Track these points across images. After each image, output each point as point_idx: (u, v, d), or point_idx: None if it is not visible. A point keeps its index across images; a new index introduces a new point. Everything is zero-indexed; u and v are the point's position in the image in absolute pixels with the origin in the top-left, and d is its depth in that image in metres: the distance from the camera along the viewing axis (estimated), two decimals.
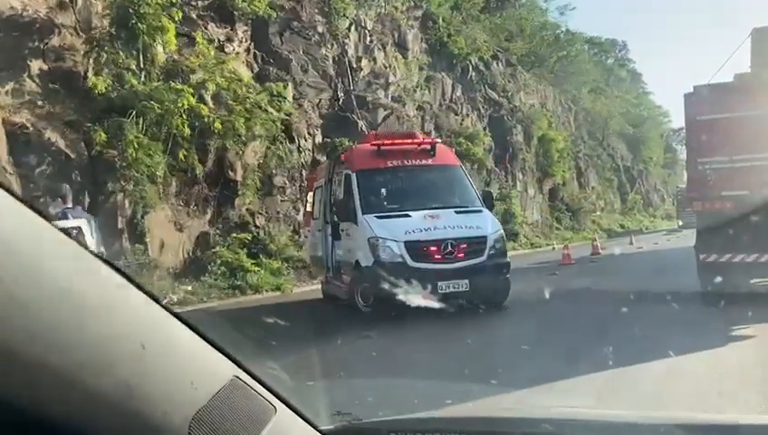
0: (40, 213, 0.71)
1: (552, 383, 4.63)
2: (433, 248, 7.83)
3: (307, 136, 16.05)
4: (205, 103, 12.67)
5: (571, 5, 43.69)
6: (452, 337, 6.63)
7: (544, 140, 31.97)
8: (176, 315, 0.87)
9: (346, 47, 18.46)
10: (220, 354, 0.93)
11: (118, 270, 0.79)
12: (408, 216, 8.19)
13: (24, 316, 0.64)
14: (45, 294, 0.67)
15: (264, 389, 1.01)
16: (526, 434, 1.62)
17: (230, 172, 13.16)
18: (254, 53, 16.13)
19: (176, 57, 13.13)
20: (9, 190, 0.68)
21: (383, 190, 8.77)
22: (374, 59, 19.67)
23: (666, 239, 27.29)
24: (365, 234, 8.05)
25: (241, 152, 13.48)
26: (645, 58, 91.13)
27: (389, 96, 19.65)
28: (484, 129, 27.66)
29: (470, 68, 27.16)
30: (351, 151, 10.05)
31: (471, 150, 22.67)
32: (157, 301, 0.85)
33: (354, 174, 8.67)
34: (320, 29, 17.65)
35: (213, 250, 11.87)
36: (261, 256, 12.69)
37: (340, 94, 17.80)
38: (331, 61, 17.77)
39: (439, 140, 9.46)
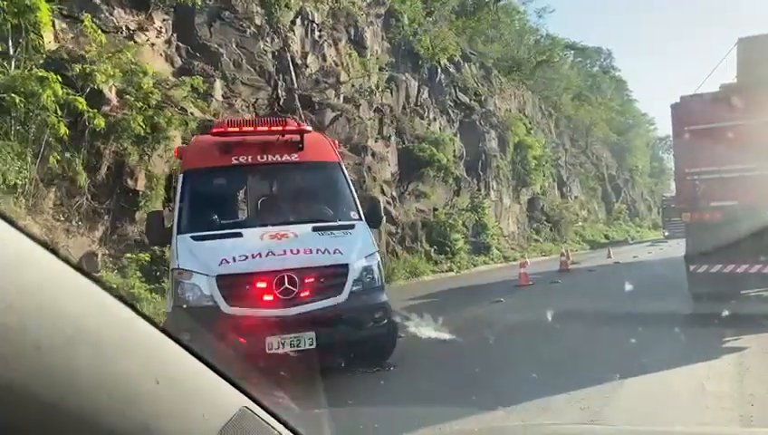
0: (54, 252, 0.70)
1: None
2: (261, 285, 5.30)
3: None
4: (102, 99, 10.76)
5: (550, 8, 42.16)
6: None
7: (521, 147, 30.23)
8: (185, 347, 0.87)
9: (289, 41, 16.59)
10: (229, 385, 0.94)
11: (127, 303, 0.79)
12: (238, 235, 5.67)
13: (42, 358, 0.64)
14: (63, 335, 0.67)
15: (273, 419, 1.01)
16: None
17: (129, 181, 11.16)
18: (177, 45, 14.21)
19: (71, 46, 11.22)
20: (23, 230, 0.67)
21: (220, 199, 6.49)
22: (323, 56, 17.82)
23: (647, 252, 25.46)
24: (171, 264, 5.83)
25: (147, 157, 11.50)
26: (630, 66, 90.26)
27: (341, 96, 17.79)
28: (455, 134, 25.87)
29: (439, 70, 25.41)
30: (189, 145, 7.49)
31: (435, 156, 20.82)
32: (167, 333, 0.85)
33: (182, 176, 6.24)
34: (257, 21, 15.77)
35: (97, 273, 9.83)
36: (165, 279, 10.64)
37: (282, 93, 15.90)
38: (270, 56, 15.89)
39: (310, 128, 7.01)
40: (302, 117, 16.10)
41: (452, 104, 26.30)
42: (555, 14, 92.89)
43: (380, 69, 21.38)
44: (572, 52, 55.44)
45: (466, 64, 28.49)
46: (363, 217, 6.33)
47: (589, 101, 54.11)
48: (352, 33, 20.06)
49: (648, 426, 3.08)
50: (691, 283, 8.80)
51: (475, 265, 21.14)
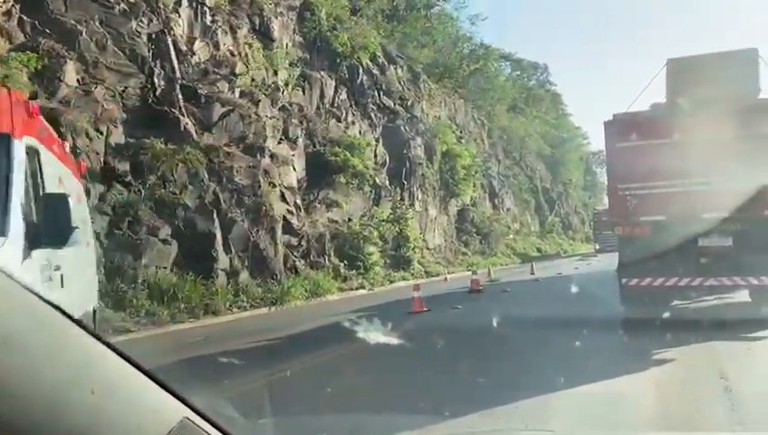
0: None
1: None
2: None
3: (93, 133, 11.72)
4: None
5: (483, 15, 41.38)
6: None
7: (449, 156, 28.87)
8: (122, 355, 0.85)
9: (172, 24, 14.35)
10: (168, 395, 0.91)
11: (59, 308, 0.77)
12: None
13: None
14: None
15: (214, 429, 0.98)
16: None
17: None
18: (20, 17, 11.74)
19: None
20: None
21: None
22: (216, 43, 15.65)
23: (574, 267, 24.34)
24: None
25: None
26: (566, 82, 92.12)
27: (236, 91, 15.64)
28: (377, 139, 24.15)
29: (360, 70, 23.65)
30: None
31: (350, 162, 18.95)
32: (103, 341, 0.83)
33: None
34: None
35: None
36: None
37: (159, 83, 13.62)
38: (145, 38, 13.59)
39: None
40: (185, 111, 13.89)
41: (374, 108, 24.59)
42: (493, 27, 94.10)
43: (291, 64, 19.39)
44: (509, 63, 55.55)
45: (392, 67, 26.91)
46: (25, 229, 3.75)
47: (524, 113, 54.00)
48: (257, 22, 18.00)
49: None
50: (623, 295, 8.98)
51: (391, 282, 19.34)
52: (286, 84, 19.11)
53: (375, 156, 23.77)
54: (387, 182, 23.90)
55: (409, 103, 27.25)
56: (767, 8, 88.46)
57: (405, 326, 7.91)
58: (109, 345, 0.84)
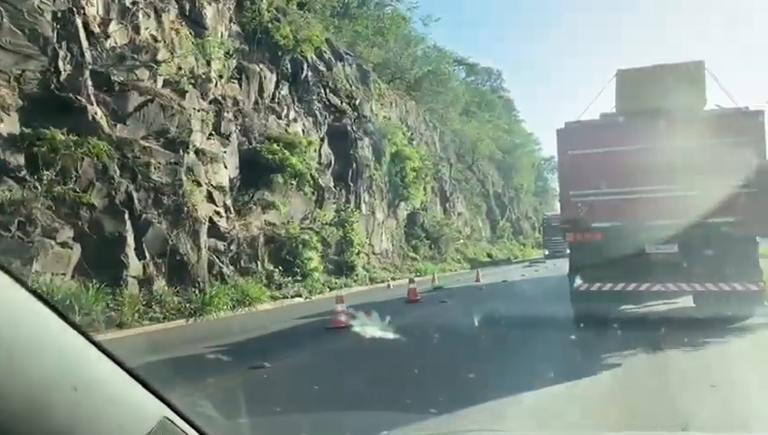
0: None
1: None
2: None
3: None
4: None
5: (435, 16, 40.88)
6: None
7: (399, 158, 28.00)
8: (105, 351, 0.84)
9: (83, 2, 12.84)
10: (149, 394, 0.91)
11: (44, 300, 0.76)
12: None
13: None
14: None
15: (193, 430, 0.98)
16: None
17: None
18: None
19: None
20: None
21: None
22: (136, 27, 14.18)
23: (521, 274, 23.71)
24: None
25: None
26: (519, 89, 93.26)
27: (158, 79, 14.22)
28: (322, 139, 23.01)
29: (305, 65, 22.45)
30: None
31: (288, 161, 17.74)
32: (86, 336, 0.81)
33: None
34: None
35: None
36: None
37: (64, 67, 12.10)
38: (49, 17, 12.05)
39: None
40: (94, 100, 12.42)
41: (320, 105, 23.43)
42: (448, 32, 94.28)
43: (227, 55, 18.03)
44: (462, 67, 55.35)
45: (339, 64, 25.82)
46: None
47: (476, 117, 53.86)
48: (187, 7, 16.57)
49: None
50: (574, 300, 9.13)
51: (332, 289, 18.20)
52: (220, 76, 17.72)
53: (319, 156, 22.62)
54: (331, 184, 22.77)
55: (358, 102, 26.21)
56: (718, 20, 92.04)
57: (323, 345, 6.82)
58: (91, 340, 0.82)
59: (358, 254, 21.20)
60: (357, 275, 20.60)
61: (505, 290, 15.71)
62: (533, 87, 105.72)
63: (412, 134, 33.98)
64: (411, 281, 15.28)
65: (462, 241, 36.32)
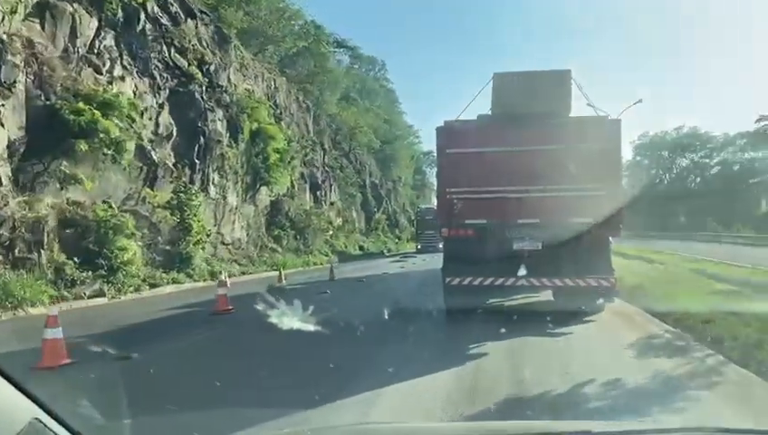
0: None
1: None
2: None
3: None
4: None
5: None
6: None
7: (261, 137, 24.80)
8: None
9: None
10: (20, 394, 0.87)
11: None
12: None
13: None
14: None
15: (64, 430, 0.93)
16: None
17: None
18: None
19: None
20: None
21: None
22: None
23: (383, 271, 21.40)
24: None
25: None
26: (404, 84, 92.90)
27: None
28: (161, 105, 19.30)
29: (142, 16, 18.59)
30: None
31: (99, 124, 14.05)
32: None
33: None
34: None
35: None
36: None
37: None
38: None
39: None
40: None
41: (161, 65, 19.64)
42: (333, 14, 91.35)
43: None
44: (344, 51, 52.93)
45: (191, 21, 22.09)
46: None
47: (357, 104, 51.75)
48: None
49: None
50: (446, 294, 9.36)
51: (155, 285, 14.84)
52: (12, 11, 13.61)
53: (156, 125, 18.93)
54: (171, 159, 19.19)
55: (212, 69, 22.64)
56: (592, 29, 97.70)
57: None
58: None
59: (197, 243, 17.87)
60: (194, 268, 17.30)
61: (358, 293, 13.43)
62: (417, 82, 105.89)
63: (281, 113, 30.87)
64: (222, 284, 11.35)
65: (332, 232, 33.87)
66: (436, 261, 20.41)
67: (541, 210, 8.99)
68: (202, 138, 20.64)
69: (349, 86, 51.13)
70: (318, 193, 35.20)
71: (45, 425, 0.88)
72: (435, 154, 11.34)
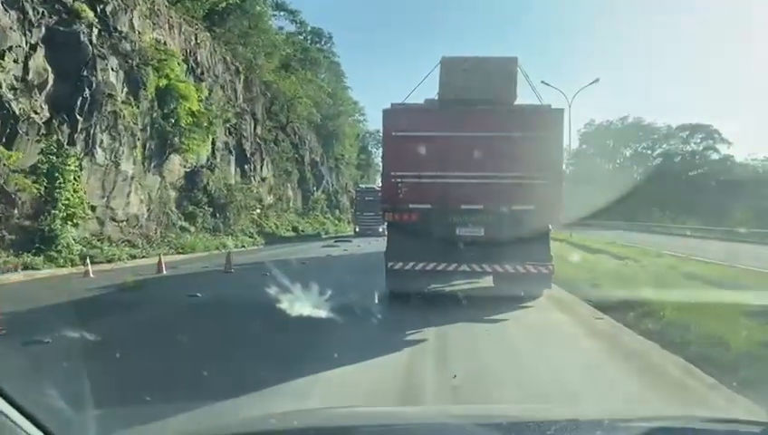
0: None
1: None
2: None
3: None
4: None
5: None
6: None
7: (170, 96, 21.11)
8: None
9: None
10: None
11: None
12: None
13: None
14: None
15: (30, 424, 0.90)
16: None
17: None
18: None
19: None
20: None
21: None
22: None
23: (301, 262, 17.96)
24: None
25: None
26: (351, 59, 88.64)
27: None
28: (33, 46, 15.45)
29: None
30: None
31: None
32: None
33: None
34: None
35: None
36: None
37: None
38: None
39: None
40: None
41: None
42: None
43: None
44: (284, 15, 48.93)
45: None
46: None
47: (297, 74, 47.94)
48: None
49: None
50: (388, 278, 9.18)
51: None
52: None
53: (25, 69, 15.11)
54: (43, 113, 15.41)
55: (108, 9, 18.77)
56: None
57: None
58: None
59: (67, 219, 14.27)
60: (59, 250, 13.72)
61: (255, 294, 10.48)
62: (366, 59, 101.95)
63: (203, 73, 27.07)
64: None
65: (259, 210, 30.42)
66: (374, 247, 17.39)
67: (484, 196, 9.06)
68: (87, 90, 16.86)
69: (289, 54, 47.25)
70: (246, 167, 31.61)
71: (10, 418, 0.83)
72: (381, 134, 11.19)
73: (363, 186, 43.91)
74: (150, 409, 3.87)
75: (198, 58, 27.06)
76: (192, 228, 22.85)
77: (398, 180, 9.20)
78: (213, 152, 27.02)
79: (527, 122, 9.16)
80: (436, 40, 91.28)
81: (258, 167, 33.66)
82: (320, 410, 2.70)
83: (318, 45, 60.93)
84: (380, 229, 36.90)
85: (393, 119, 9.35)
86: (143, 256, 16.80)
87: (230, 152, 29.33)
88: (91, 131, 16.93)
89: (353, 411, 2.40)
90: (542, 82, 38.34)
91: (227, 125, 28.85)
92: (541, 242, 9.08)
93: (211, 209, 24.94)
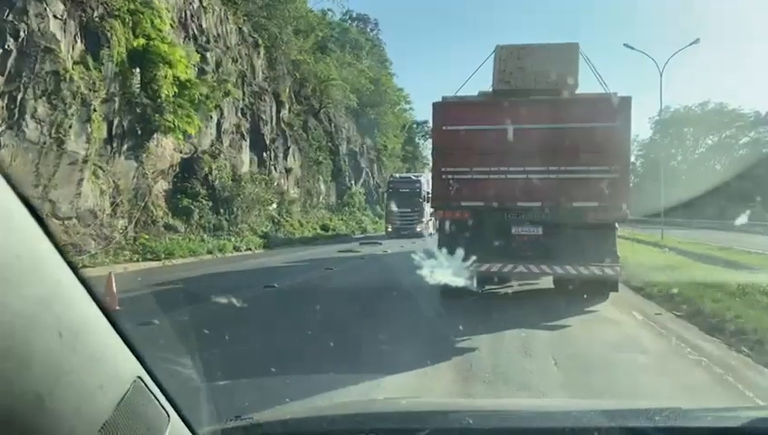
0: None
1: None
2: None
3: None
4: None
5: None
6: None
7: (148, 59, 16.65)
8: (92, 293, 0.74)
9: None
10: (127, 350, 0.83)
11: (40, 219, 0.68)
12: None
13: None
14: None
15: (161, 393, 0.92)
16: (441, 429, 1.51)
17: None
18: None
19: None
20: None
21: None
22: None
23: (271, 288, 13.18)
24: None
25: None
26: (395, 43, 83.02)
27: None
28: None
29: None
30: None
31: None
32: (76, 271, 0.71)
33: None
34: None
35: None
36: None
37: None
38: None
39: None
40: None
41: None
42: None
43: None
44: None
45: None
46: None
47: (334, 55, 43.30)
48: None
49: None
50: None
51: None
52: None
53: None
54: None
55: None
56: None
57: None
58: (80, 277, 0.71)
59: None
60: None
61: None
62: (414, 47, 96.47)
63: (207, 41, 22.65)
64: None
65: (274, 206, 25.74)
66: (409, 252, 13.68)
67: (542, 193, 8.74)
68: (13, 40, 12.52)
69: (326, 35, 42.67)
70: (265, 155, 27.11)
71: (147, 386, 0.83)
72: (429, 126, 10.42)
73: (397, 175, 38.35)
74: None
75: (203, 24, 22.66)
76: (183, 227, 18.40)
77: (449, 177, 9.04)
78: (218, 135, 22.61)
79: (590, 113, 8.83)
80: (486, 30, 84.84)
81: (280, 155, 29.12)
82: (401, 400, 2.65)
83: (363, 32, 56.40)
84: (418, 229, 31.44)
85: (443, 112, 9.14)
86: (91, 265, 12.33)
87: (242, 137, 24.83)
88: (18, 96, 12.59)
89: (422, 402, 2.43)
90: (625, 44, 31.83)
91: (240, 104, 24.34)
92: (606, 241, 8.67)
93: (212, 203, 20.47)
